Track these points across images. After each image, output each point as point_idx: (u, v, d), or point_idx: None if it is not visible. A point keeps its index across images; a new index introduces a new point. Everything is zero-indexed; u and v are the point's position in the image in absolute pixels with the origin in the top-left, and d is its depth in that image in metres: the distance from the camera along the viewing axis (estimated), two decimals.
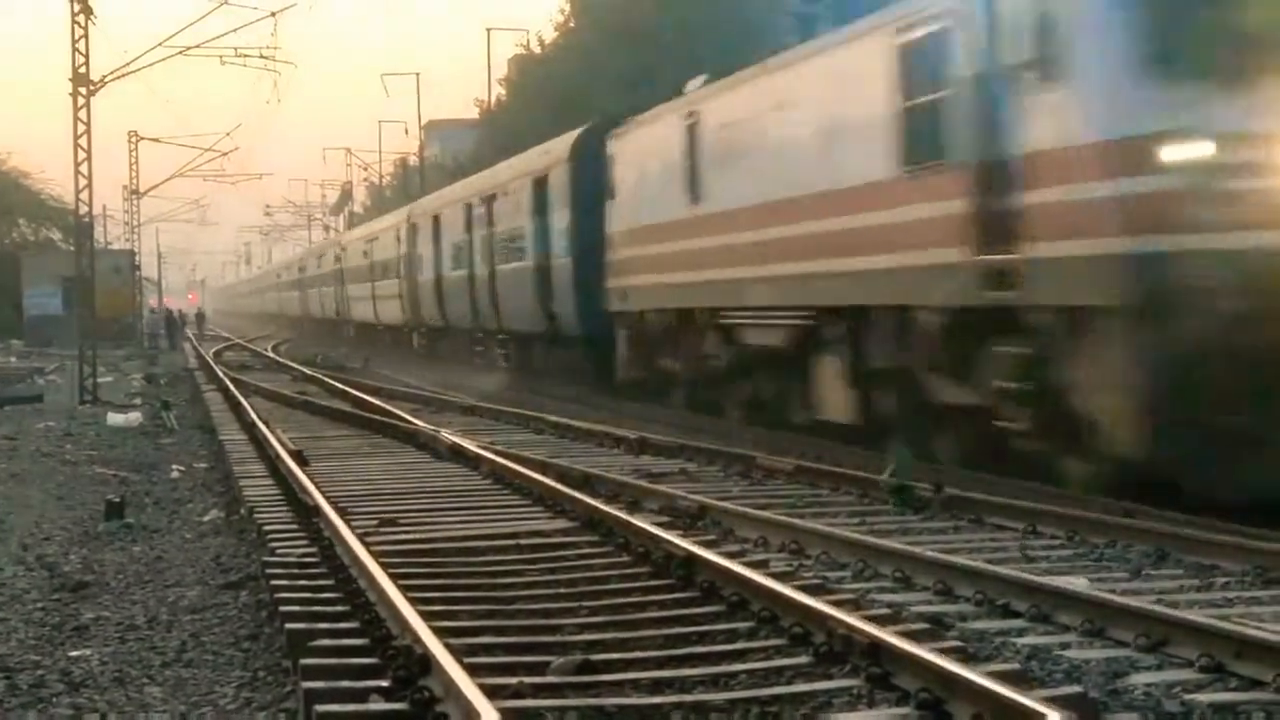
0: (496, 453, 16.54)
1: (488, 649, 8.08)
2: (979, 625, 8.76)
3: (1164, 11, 12.53)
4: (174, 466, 18.75)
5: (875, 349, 16.95)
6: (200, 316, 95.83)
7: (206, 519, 14.26)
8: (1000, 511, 12.48)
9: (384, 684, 7.32)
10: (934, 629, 8.39)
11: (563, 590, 9.76)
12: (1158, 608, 8.47)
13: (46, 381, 37.13)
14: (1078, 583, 9.63)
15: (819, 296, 18.22)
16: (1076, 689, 7.29)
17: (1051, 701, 6.39)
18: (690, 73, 24.30)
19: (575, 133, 28.91)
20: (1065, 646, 8.20)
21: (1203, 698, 7.13)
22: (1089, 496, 12.82)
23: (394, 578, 9.24)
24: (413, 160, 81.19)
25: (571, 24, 57.86)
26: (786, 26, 27.29)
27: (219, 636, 9.23)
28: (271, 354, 50.02)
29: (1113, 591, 9.25)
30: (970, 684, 6.66)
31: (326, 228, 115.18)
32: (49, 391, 33.13)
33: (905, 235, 15.82)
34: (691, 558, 9.86)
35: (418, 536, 11.88)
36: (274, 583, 9.89)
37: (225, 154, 60.82)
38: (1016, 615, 8.95)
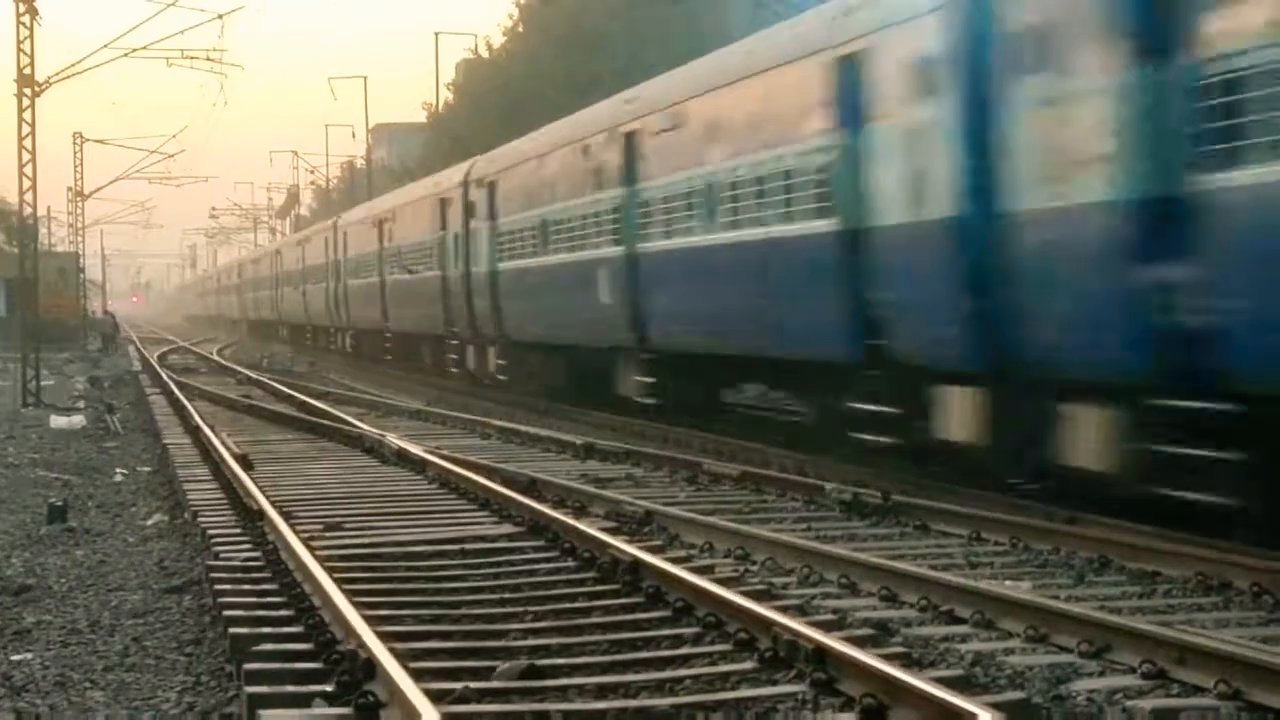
0: (443, 457, 16.49)
1: (433, 654, 8.06)
2: (923, 631, 8.80)
3: None
4: (117, 470, 18.64)
5: None
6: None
7: (150, 523, 14.18)
8: (945, 518, 12.53)
9: (328, 689, 7.30)
10: (879, 635, 8.42)
11: (508, 595, 9.75)
12: (1100, 614, 8.52)
13: None
14: (1021, 588, 9.69)
15: None
16: (1020, 695, 7.34)
17: (995, 708, 6.42)
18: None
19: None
20: (1009, 652, 8.24)
21: (1145, 704, 7.17)
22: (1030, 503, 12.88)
23: (339, 582, 9.21)
24: (360, 163, 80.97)
25: (520, 29, 57.85)
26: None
27: (162, 641, 9.17)
28: (217, 357, 49.75)
29: (1056, 598, 9.30)
30: (914, 690, 6.68)
31: (273, 230, 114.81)
32: None
33: None
34: (637, 563, 9.87)
35: (363, 541, 11.84)
36: (218, 587, 9.84)
37: (171, 156, 60.46)
38: (960, 621, 8.98)
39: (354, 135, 78.42)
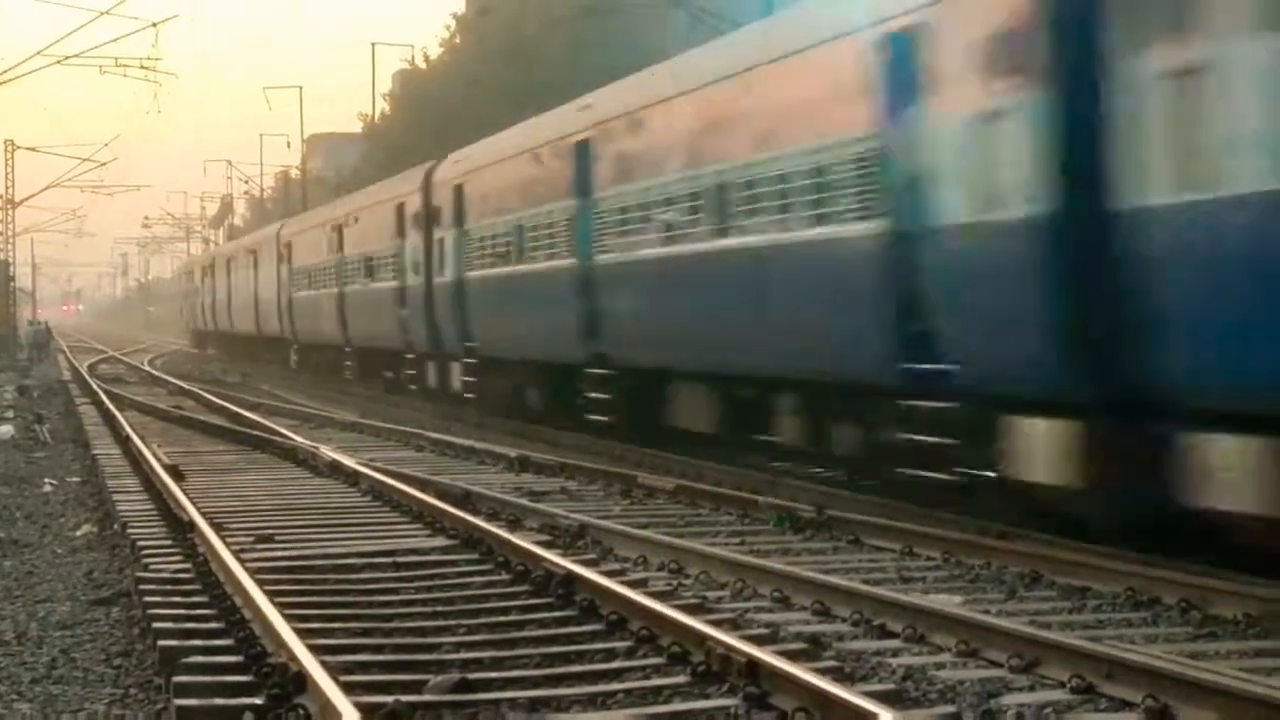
0: (376, 469, 16.43)
1: (364, 667, 8.03)
2: (856, 645, 8.82)
3: None
4: (46, 480, 18.45)
5: None
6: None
7: (79, 534, 14.05)
8: (878, 532, 12.57)
9: (258, 702, 7.25)
10: (811, 649, 8.44)
11: (441, 608, 9.72)
12: (1030, 629, 8.57)
13: None
14: (953, 602, 9.73)
15: None
16: (951, 709, 7.37)
17: None
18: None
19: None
20: (940, 667, 8.27)
21: (1074, 718, 7.22)
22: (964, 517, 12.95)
23: (270, 595, 9.16)
24: (295, 173, 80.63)
25: (457, 40, 57.82)
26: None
27: (90, 653, 9.09)
28: (148, 368, 49.39)
29: (987, 612, 9.35)
30: (846, 704, 6.70)
31: (206, 240, 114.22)
32: None
33: None
34: (571, 576, 9.86)
35: (295, 553, 11.78)
36: (147, 599, 9.77)
37: (103, 164, 60.00)
38: (893, 635, 9.01)
39: (289, 145, 78.20)
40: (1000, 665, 8.19)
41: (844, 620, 9.44)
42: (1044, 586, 10.55)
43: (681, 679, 7.79)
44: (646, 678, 7.89)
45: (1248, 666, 7.99)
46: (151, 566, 11.08)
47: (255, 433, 22.41)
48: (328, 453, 18.31)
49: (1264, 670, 7.89)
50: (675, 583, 10.77)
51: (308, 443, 19.96)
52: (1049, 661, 8.01)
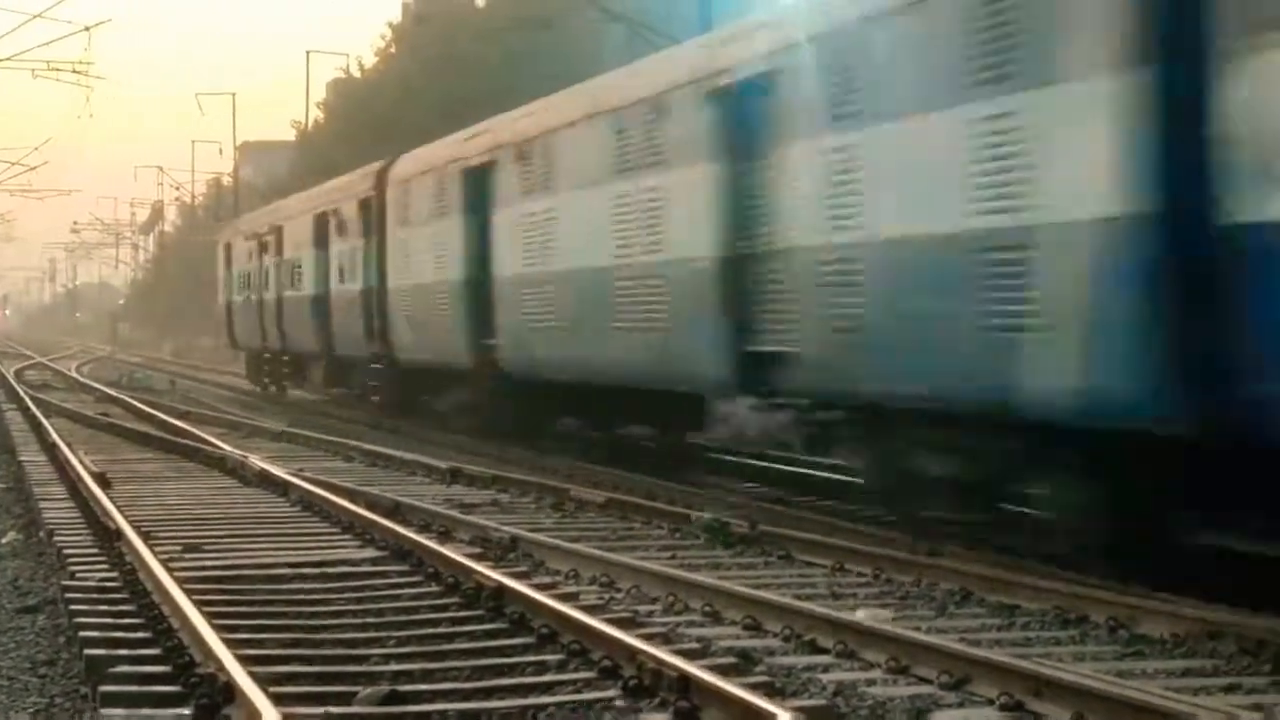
0: (306, 479, 16.34)
1: (293, 678, 7.98)
2: (786, 660, 8.83)
3: None
4: None
5: None
6: None
7: (4, 541, 13.91)
8: (810, 548, 12.61)
9: (186, 712, 7.21)
10: (742, 664, 8.45)
11: (371, 620, 9.68)
12: (960, 646, 8.61)
13: None
14: (883, 617, 9.76)
15: None
16: None
17: None
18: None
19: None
20: (871, 683, 8.30)
21: None
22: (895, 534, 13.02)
23: (198, 604, 9.09)
24: (226, 180, 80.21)
25: (392, 49, 57.72)
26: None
27: (15, 661, 9.00)
28: (75, 374, 48.96)
29: (917, 629, 9.39)
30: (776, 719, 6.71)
31: (135, 246, 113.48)
32: None
33: None
34: (502, 589, 9.84)
35: (223, 563, 11.71)
36: (73, 607, 9.68)
37: (33, 168, 59.49)
38: (824, 651, 9.04)
39: (221, 152, 77.83)
40: (930, 682, 8.21)
41: (775, 635, 9.46)
42: (974, 604, 10.61)
43: (612, 693, 7.79)
44: (578, 691, 7.88)
45: (1175, 685, 8.05)
46: (78, 574, 10.98)
47: (184, 441, 22.24)
48: (257, 462, 18.19)
49: (1190, 689, 7.95)
50: (607, 596, 10.76)
51: (237, 452, 19.82)
52: (978, 679, 8.05)
